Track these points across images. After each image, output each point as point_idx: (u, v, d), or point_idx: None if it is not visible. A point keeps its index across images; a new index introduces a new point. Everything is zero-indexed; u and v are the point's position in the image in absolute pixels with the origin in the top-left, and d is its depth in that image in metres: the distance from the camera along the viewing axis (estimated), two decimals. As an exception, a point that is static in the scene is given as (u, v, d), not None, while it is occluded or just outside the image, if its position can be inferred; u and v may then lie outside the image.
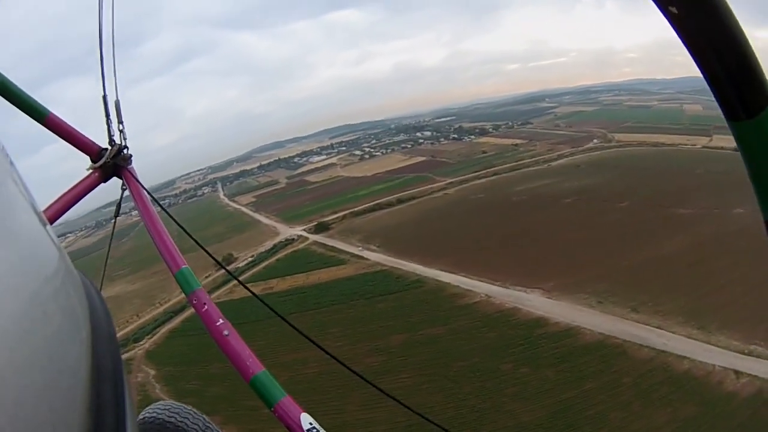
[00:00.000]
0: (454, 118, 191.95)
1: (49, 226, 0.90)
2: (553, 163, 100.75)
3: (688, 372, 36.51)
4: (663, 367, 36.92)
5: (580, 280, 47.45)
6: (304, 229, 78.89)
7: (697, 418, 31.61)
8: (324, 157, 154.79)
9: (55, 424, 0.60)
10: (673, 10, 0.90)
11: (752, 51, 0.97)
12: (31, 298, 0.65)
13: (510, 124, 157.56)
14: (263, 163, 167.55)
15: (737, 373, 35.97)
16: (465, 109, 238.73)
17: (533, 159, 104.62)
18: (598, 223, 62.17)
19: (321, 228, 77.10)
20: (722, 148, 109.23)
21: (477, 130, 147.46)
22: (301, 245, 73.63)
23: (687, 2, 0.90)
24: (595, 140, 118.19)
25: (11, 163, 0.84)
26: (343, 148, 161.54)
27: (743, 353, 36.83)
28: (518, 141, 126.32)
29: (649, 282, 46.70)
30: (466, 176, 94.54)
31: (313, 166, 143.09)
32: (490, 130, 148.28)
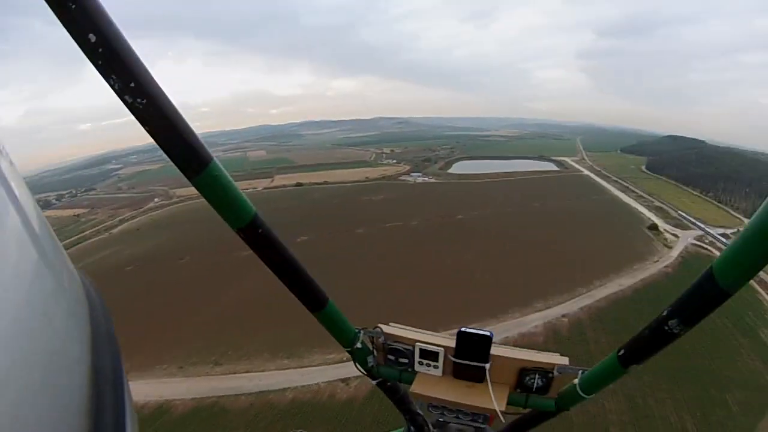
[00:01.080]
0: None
1: (49, 226, 0.90)
2: (115, 230, 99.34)
3: (295, 400, 38.13)
4: (268, 406, 37.56)
5: (155, 350, 45.58)
6: None
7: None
8: None
9: (55, 424, 0.61)
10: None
11: (183, 120, 1.40)
12: (31, 298, 0.65)
13: (74, 192, 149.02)
14: None
15: (345, 380, 38.76)
16: (31, 179, 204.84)
17: (95, 229, 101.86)
18: (162, 285, 62.30)
19: None
20: (284, 186, 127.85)
21: (41, 203, 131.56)
22: None
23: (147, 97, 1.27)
24: (156, 199, 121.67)
25: (11, 162, 0.84)
26: None
27: (343, 361, 37.90)
28: (80, 211, 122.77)
29: (224, 330, 48.32)
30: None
31: None
32: (54, 201, 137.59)
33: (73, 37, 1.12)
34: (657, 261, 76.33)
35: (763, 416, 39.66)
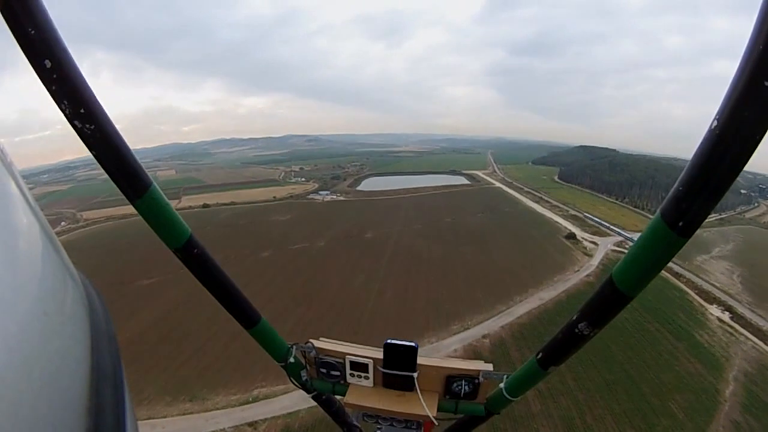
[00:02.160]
0: None
1: (49, 226, 0.94)
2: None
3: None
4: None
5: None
6: None
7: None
8: None
9: (55, 424, 0.64)
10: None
11: (125, 145, 1.58)
12: (31, 297, 0.69)
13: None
14: None
15: (252, 424, 39.24)
16: None
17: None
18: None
19: None
20: (191, 207, 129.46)
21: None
22: None
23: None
24: (63, 222, 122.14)
25: (11, 162, 0.88)
26: None
27: (248, 402, 40.99)
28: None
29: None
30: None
31: None
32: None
33: (30, 62, 1.28)
34: (578, 270, 78.00)
35: (712, 418, 41.06)
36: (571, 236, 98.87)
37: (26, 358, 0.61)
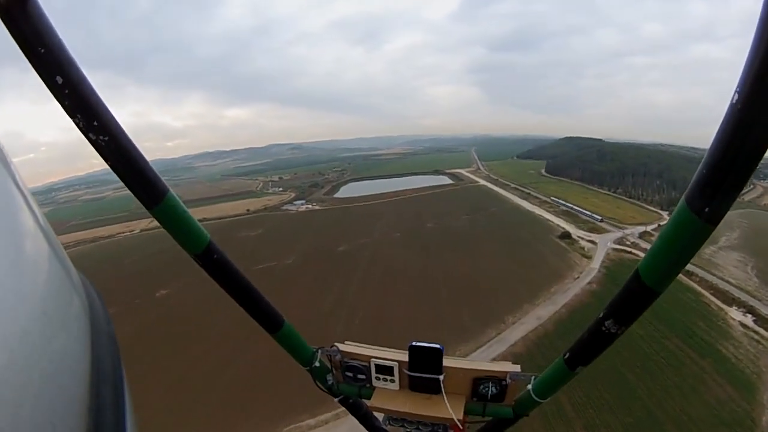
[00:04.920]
0: None
1: (49, 226, 0.95)
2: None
3: None
4: None
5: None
6: None
7: None
8: None
9: (54, 424, 0.65)
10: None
11: (140, 154, 1.61)
12: (31, 298, 0.70)
13: None
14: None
15: None
16: None
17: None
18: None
19: None
20: (159, 227, 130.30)
21: None
22: None
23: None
24: None
25: (11, 162, 0.89)
26: None
27: None
28: None
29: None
30: None
31: None
32: None
33: (42, 79, 1.35)
34: (578, 277, 70.39)
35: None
36: (566, 235, 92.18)
37: (26, 358, 0.62)
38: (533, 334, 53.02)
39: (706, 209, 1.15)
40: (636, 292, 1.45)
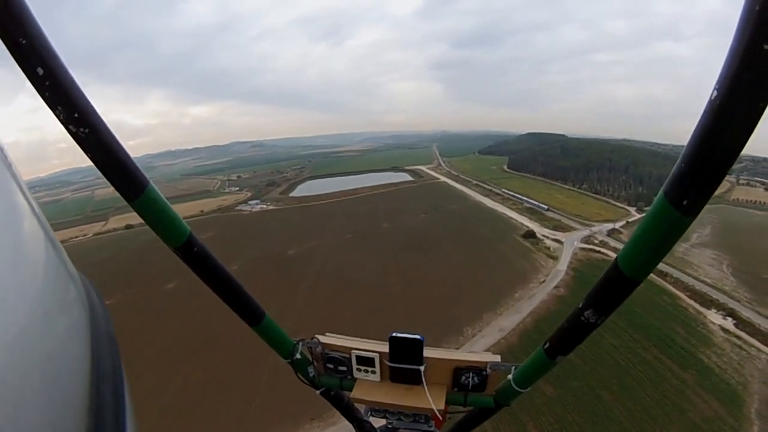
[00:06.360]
0: None
1: (49, 226, 0.96)
2: None
3: None
4: None
5: None
6: None
7: None
8: None
9: (54, 425, 0.65)
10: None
11: (121, 147, 1.60)
12: (31, 298, 0.71)
13: None
14: None
15: None
16: None
17: None
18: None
19: None
20: (114, 229, 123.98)
21: None
22: None
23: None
24: None
25: (11, 162, 0.90)
26: None
27: None
28: None
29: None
30: None
31: None
32: None
33: (22, 70, 1.34)
34: (544, 281, 65.37)
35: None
36: (530, 234, 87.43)
37: (26, 358, 0.63)
38: (495, 348, 47.36)
39: (685, 202, 1.18)
40: (615, 281, 1.47)
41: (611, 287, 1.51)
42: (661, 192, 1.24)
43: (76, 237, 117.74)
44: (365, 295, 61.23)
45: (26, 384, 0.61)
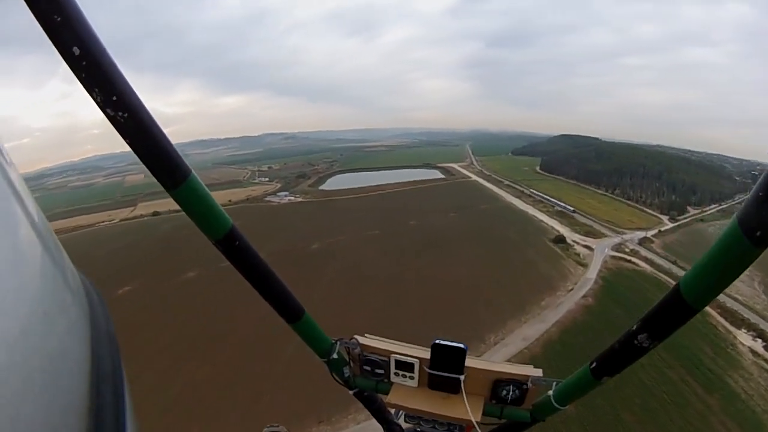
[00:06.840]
0: None
1: (49, 226, 0.96)
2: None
3: None
4: None
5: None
6: None
7: None
8: None
9: (54, 425, 0.66)
10: None
11: (162, 133, 1.57)
12: (31, 297, 0.71)
13: None
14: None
15: None
16: None
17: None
18: None
19: None
20: (141, 216, 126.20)
21: None
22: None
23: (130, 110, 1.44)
24: None
25: (10, 161, 0.89)
26: None
27: None
28: None
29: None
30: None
31: None
32: None
33: (57, 50, 1.26)
34: (572, 289, 63.92)
35: None
36: (560, 239, 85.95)
37: (26, 358, 0.63)
38: (517, 359, 46.07)
39: (758, 233, 1.13)
40: (675, 307, 1.45)
41: (670, 313, 1.50)
42: (734, 218, 1.19)
43: (103, 222, 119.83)
44: (383, 297, 61.12)
45: (26, 384, 0.62)
